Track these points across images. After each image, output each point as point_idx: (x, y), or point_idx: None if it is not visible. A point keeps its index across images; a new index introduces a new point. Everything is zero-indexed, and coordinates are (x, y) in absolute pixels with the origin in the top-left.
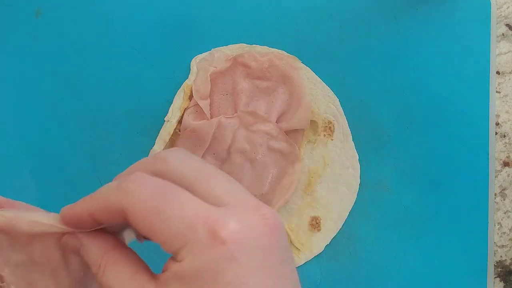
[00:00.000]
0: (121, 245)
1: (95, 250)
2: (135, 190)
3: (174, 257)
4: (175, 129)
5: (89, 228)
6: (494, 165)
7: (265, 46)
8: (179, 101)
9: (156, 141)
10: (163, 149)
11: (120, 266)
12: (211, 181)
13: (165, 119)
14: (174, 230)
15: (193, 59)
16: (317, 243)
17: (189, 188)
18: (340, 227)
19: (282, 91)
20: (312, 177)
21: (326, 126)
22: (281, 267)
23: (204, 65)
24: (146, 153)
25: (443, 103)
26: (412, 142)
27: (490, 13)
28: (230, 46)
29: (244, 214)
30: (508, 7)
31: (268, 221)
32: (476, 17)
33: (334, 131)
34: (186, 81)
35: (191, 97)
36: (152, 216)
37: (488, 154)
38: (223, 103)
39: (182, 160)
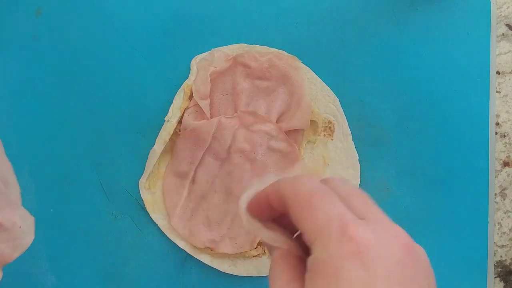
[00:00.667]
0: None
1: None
2: (301, 183)
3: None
4: (175, 129)
5: (267, 215)
6: (494, 165)
7: (265, 46)
8: (179, 101)
9: (156, 141)
10: (162, 149)
11: (281, 270)
12: (359, 199)
13: (165, 119)
14: (316, 222)
15: (193, 59)
16: None
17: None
18: None
19: (282, 91)
20: None
21: (326, 126)
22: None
23: (204, 65)
24: (146, 153)
25: (443, 103)
26: (412, 142)
27: (490, 13)
28: (230, 46)
29: (379, 227)
30: (508, 7)
31: (403, 240)
32: (476, 17)
33: (334, 131)
34: (186, 81)
35: (191, 97)
36: (304, 206)
37: (488, 154)
38: (223, 103)
39: (339, 181)
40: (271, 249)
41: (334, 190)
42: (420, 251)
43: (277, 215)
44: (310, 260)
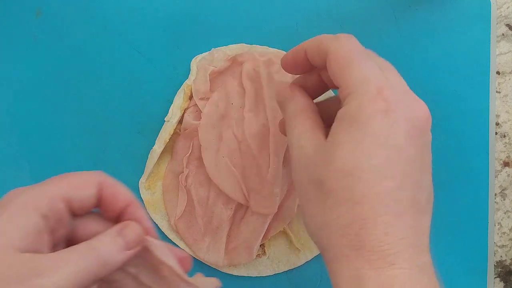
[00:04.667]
0: (310, 109)
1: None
2: (345, 41)
3: (341, 104)
4: (175, 129)
5: (300, 69)
6: (494, 165)
7: (265, 46)
8: (179, 101)
9: (156, 141)
10: (162, 150)
11: (302, 119)
12: (391, 71)
13: (165, 119)
14: (355, 79)
15: (193, 59)
16: None
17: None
18: None
19: None
20: None
21: None
22: (422, 149)
23: (203, 64)
24: (146, 153)
25: (443, 103)
26: None
27: (490, 13)
28: (230, 46)
29: (407, 96)
30: (508, 7)
31: (424, 112)
32: (476, 17)
33: None
34: (186, 81)
35: (191, 97)
36: (345, 63)
37: (488, 154)
38: None
39: (375, 54)
40: (285, 105)
41: (370, 57)
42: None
43: (308, 71)
44: (341, 111)
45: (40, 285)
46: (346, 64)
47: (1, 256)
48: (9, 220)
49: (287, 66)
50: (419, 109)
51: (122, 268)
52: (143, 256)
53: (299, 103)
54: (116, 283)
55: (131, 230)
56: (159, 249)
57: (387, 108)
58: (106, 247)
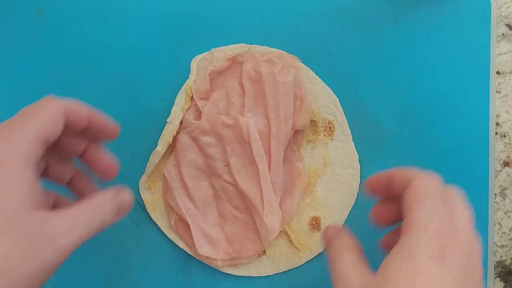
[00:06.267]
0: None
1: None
2: (429, 179)
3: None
4: (177, 129)
5: (377, 191)
6: (494, 165)
7: (265, 46)
8: (181, 102)
9: (158, 142)
10: (165, 150)
11: (348, 256)
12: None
13: (167, 120)
14: (418, 216)
15: (193, 59)
16: (317, 243)
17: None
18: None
19: None
20: (312, 177)
21: (326, 126)
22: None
23: (203, 64)
24: (146, 153)
25: (443, 103)
26: (412, 142)
27: (490, 13)
28: (230, 46)
29: (464, 242)
30: (508, 7)
31: (477, 256)
32: (476, 17)
33: (334, 131)
34: (187, 81)
35: (192, 97)
36: (419, 199)
37: (488, 154)
38: None
39: (458, 198)
40: (331, 242)
41: (447, 201)
42: None
43: (383, 195)
44: (398, 245)
45: (65, 245)
46: (419, 200)
47: (22, 217)
48: (10, 180)
49: (369, 184)
50: (473, 253)
51: None
52: None
53: (345, 241)
54: None
55: (125, 196)
56: None
57: (440, 254)
58: (108, 213)
